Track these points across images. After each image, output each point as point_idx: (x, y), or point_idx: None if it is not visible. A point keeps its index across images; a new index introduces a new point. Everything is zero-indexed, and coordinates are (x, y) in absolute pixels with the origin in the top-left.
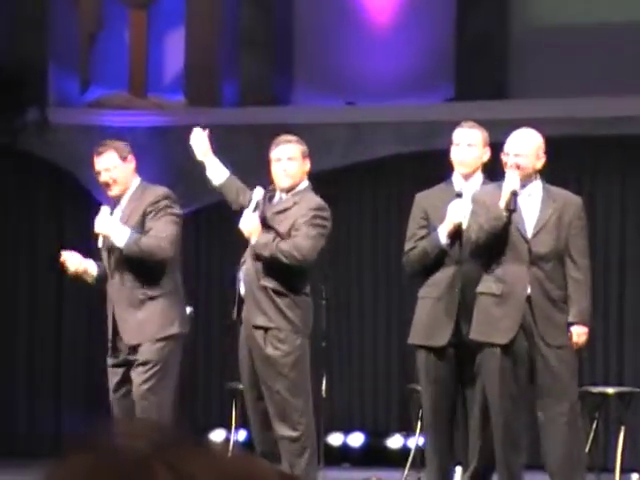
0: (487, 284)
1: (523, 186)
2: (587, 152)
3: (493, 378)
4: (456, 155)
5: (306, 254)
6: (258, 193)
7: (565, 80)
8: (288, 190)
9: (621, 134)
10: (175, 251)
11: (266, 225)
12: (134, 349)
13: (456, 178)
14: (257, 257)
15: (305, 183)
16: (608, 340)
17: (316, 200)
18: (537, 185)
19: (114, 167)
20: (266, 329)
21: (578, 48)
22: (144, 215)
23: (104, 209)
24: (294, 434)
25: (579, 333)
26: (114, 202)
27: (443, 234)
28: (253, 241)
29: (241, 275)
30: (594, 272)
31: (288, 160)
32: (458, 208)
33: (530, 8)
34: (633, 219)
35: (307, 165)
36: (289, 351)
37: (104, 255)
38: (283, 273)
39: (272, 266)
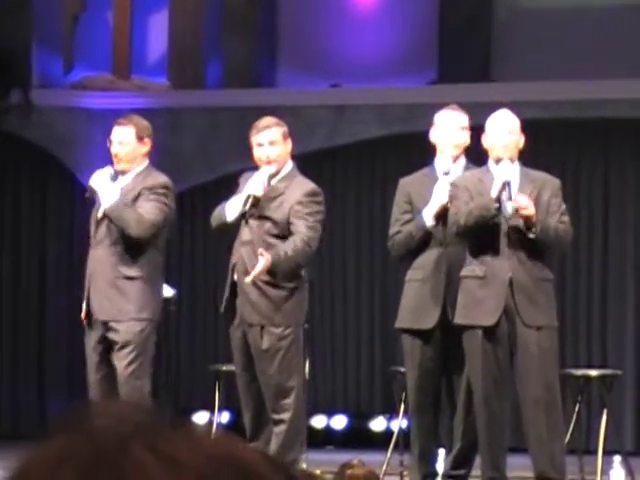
0: (470, 267)
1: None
2: (571, 135)
3: (475, 360)
4: (451, 137)
5: (312, 245)
6: (265, 172)
7: (549, 63)
8: (274, 174)
9: (605, 117)
10: (158, 237)
11: (259, 215)
12: (108, 327)
13: (439, 162)
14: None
15: (290, 164)
16: (591, 322)
17: (309, 185)
18: (516, 167)
19: (127, 143)
20: (262, 326)
21: (562, 31)
22: (138, 195)
23: (107, 168)
24: (286, 416)
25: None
26: (116, 174)
27: (429, 216)
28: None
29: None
30: (578, 256)
31: (270, 145)
32: (445, 188)
33: None
34: (616, 202)
35: (289, 146)
36: (283, 335)
37: (92, 226)
38: None
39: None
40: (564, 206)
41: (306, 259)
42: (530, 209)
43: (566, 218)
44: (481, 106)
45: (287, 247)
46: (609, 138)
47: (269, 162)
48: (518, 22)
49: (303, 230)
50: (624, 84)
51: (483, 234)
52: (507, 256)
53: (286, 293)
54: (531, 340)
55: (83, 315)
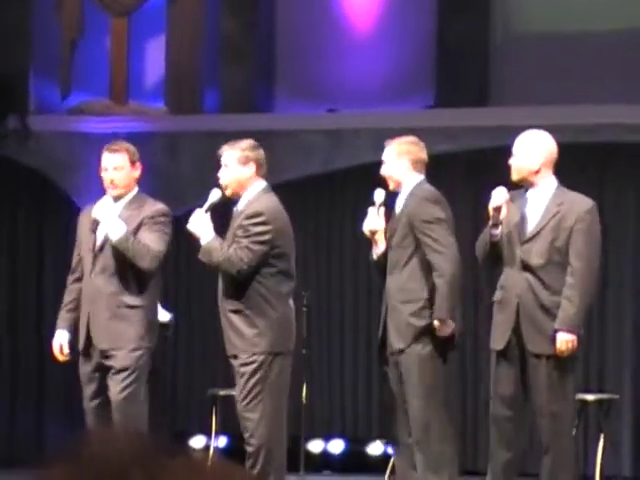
0: (496, 292)
1: (526, 190)
2: (568, 159)
3: (490, 383)
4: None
5: (239, 267)
6: (215, 194)
7: (546, 87)
8: (236, 199)
9: (602, 141)
10: (157, 267)
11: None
12: (106, 355)
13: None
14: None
15: (257, 186)
16: (589, 347)
17: (254, 208)
18: (550, 186)
19: (121, 169)
20: (235, 356)
21: (559, 56)
22: (140, 225)
23: (107, 198)
24: (250, 449)
25: (562, 340)
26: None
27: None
28: (203, 243)
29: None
30: None
31: (224, 167)
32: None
33: (512, 16)
34: (613, 226)
35: (249, 169)
36: (245, 362)
37: (88, 255)
38: (241, 291)
39: (230, 282)
40: (587, 235)
41: (231, 273)
42: (567, 345)
43: (581, 265)
44: (478, 130)
45: (226, 248)
46: (606, 162)
47: (222, 184)
48: (514, 47)
49: (235, 251)
50: (621, 109)
51: (502, 259)
52: (519, 280)
53: (249, 321)
54: (533, 367)
55: (81, 346)
